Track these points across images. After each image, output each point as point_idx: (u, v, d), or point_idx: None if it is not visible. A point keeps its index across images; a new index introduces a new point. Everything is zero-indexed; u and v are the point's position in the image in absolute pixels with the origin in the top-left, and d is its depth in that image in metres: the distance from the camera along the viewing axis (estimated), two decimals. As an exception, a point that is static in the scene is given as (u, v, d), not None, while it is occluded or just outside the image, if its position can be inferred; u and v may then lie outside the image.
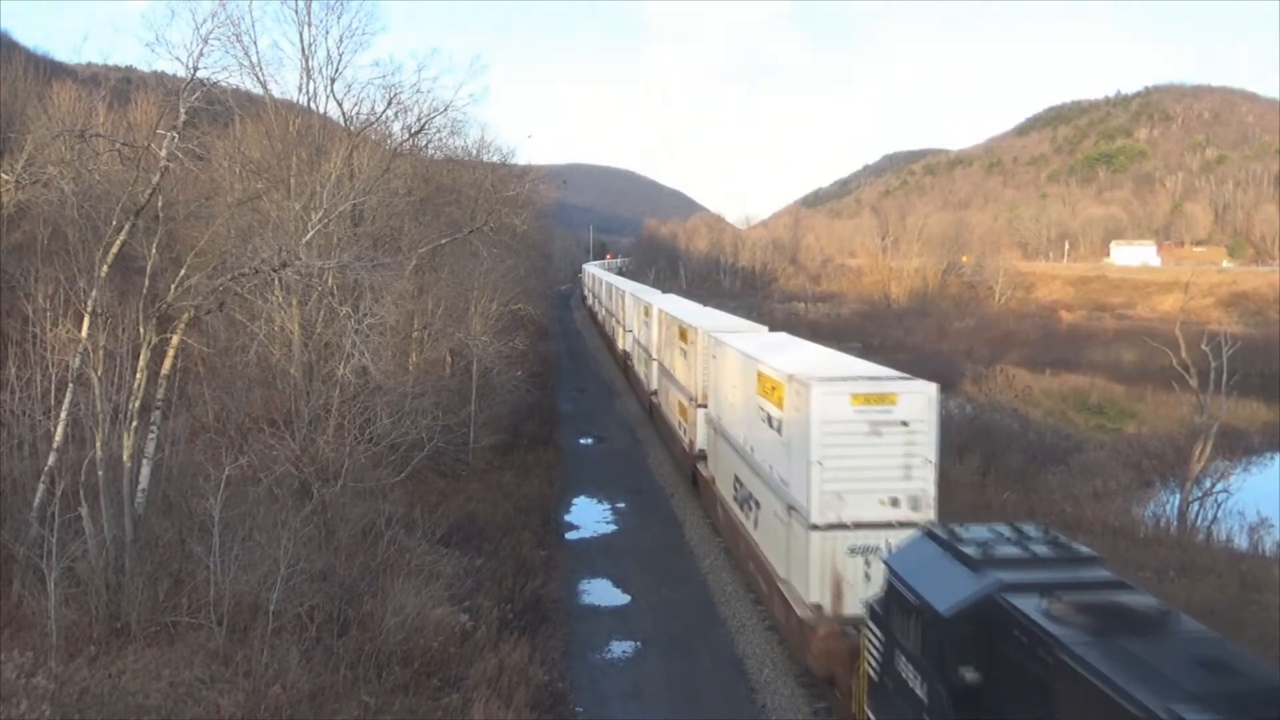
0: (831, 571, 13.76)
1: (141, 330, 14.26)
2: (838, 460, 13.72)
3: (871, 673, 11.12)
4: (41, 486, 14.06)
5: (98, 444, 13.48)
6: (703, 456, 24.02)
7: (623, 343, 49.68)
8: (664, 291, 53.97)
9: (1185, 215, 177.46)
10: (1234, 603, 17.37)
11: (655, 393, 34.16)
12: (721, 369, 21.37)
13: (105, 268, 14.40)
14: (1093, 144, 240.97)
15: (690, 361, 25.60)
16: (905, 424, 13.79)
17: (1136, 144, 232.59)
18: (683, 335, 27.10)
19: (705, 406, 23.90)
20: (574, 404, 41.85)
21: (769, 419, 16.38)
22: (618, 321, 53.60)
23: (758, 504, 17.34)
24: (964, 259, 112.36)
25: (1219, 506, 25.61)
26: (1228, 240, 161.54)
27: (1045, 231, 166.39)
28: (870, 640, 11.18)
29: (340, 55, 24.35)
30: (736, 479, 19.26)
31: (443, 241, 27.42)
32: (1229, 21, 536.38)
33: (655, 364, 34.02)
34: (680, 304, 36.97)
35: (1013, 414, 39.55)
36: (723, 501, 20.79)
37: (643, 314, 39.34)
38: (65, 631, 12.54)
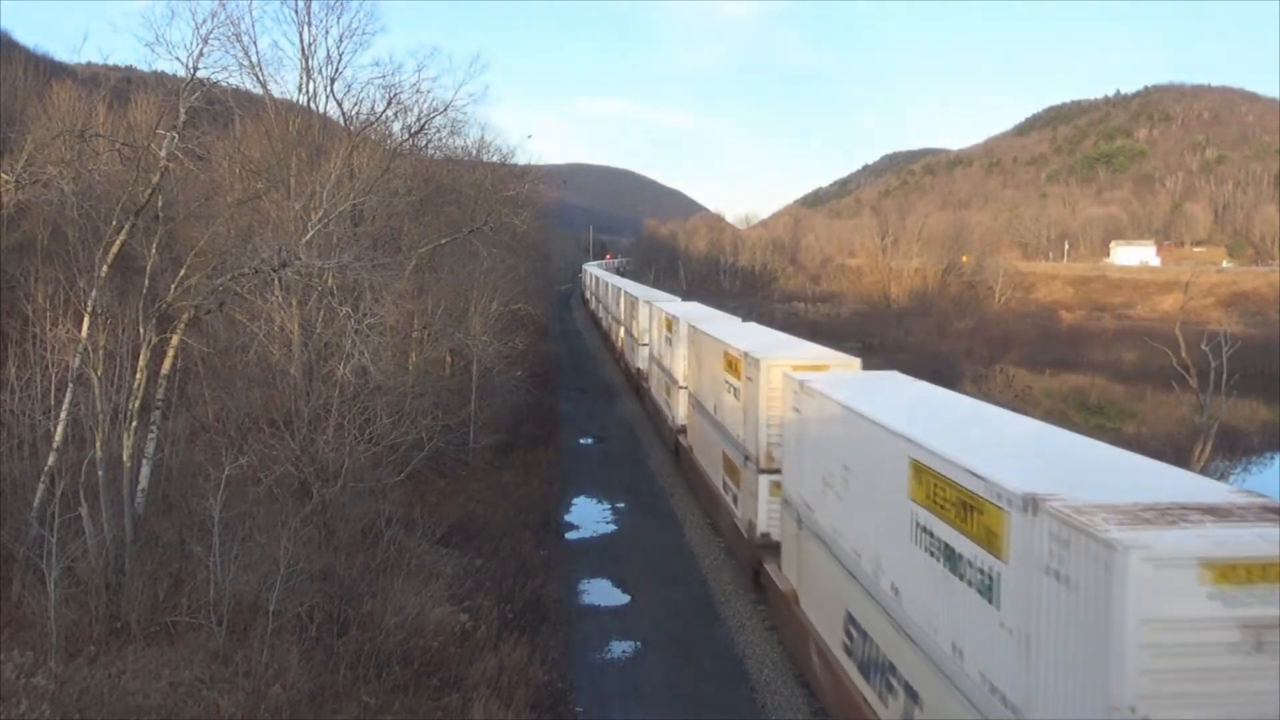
0: None
1: (141, 330, 14.27)
2: (1181, 705, 6.40)
3: None
4: (41, 486, 14.06)
5: (98, 444, 13.48)
6: (772, 547, 16.68)
7: (635, 357, 42.16)
8: (681, 298, 45.23)
9: (1185, 215, 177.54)
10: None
11: (684, 430, 27.56)
12: (817, 433, 13.59)
13: (105, 268, 14.41)
14: (1092, 144, 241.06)
15: (746, 404, 18.53)
16: None
17: (1136, 144, 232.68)
18: (732, 366, 19.99)
19: (775, 474, 16.71)
20: (574, 404, 41.84)
21: (948, 556, 9.02)
22: (628, 331, 46.37)
23: (913, 695, 9.91)
24: (964, 259, 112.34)
25: (1219, 506, 25.55)
26: (1228, 240, 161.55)
27: (1045, 231, 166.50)
28: None
29: (340, 55, 24.49)
30: (852, 621, 11.87)
31: (443, 241, 27.44)
32: (1229, 21, 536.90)
33: (684, 393, 27.50)
34: (715, 317, 29.84)
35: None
36: (820, 645, 13.23)
37: (664, 328, 31.89)
38: (65, 631, 12.55)
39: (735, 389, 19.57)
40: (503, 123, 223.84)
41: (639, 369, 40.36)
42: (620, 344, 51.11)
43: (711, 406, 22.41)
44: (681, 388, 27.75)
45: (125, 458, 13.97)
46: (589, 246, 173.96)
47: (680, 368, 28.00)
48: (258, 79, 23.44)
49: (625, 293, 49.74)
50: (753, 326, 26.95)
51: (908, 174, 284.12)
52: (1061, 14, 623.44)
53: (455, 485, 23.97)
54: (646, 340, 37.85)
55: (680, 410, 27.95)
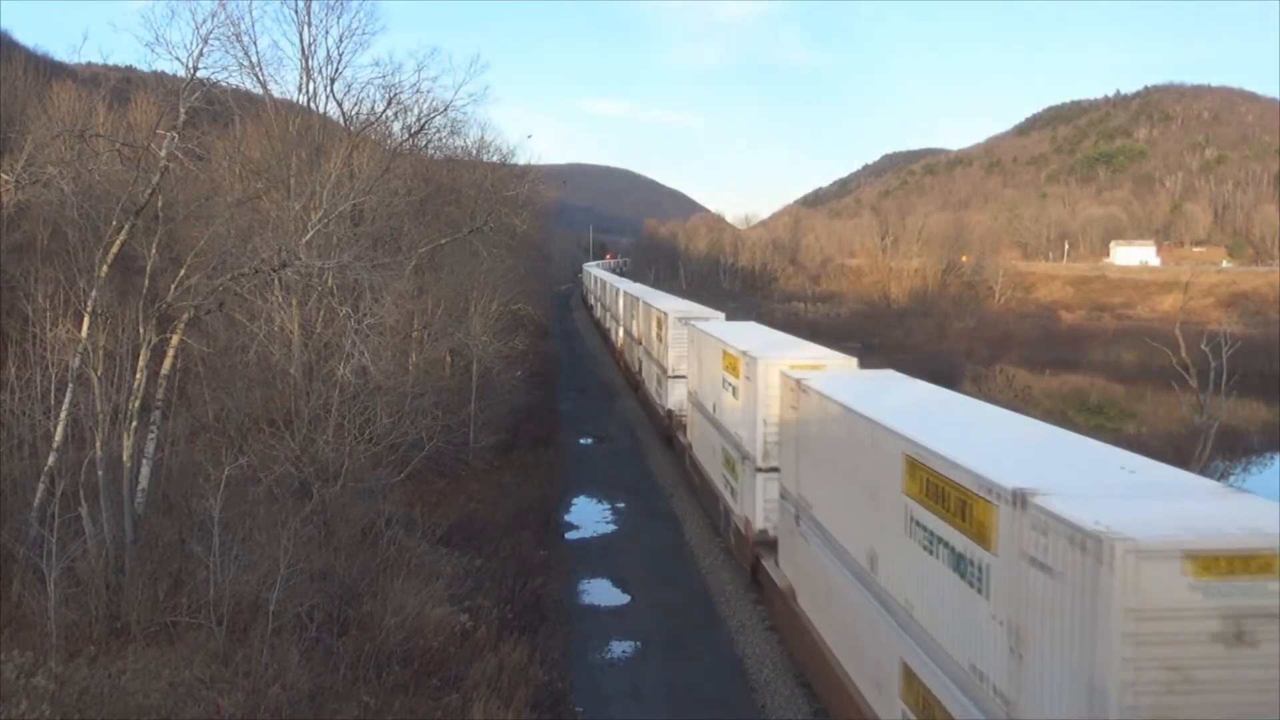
0: None
1: (141, 330, 14.26)
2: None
3: None
4: (41, 486, 14.06)
5: (98, 444, 13.48)
6: None
7: (664, 393, 31.22)
8: (723, 313, 32.90)
9: (1185, 215, 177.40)
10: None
11: (774, 543, 16.78)
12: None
13: (105, 268, 14.41)
14: (1092, 144, 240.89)
15: (978, 584, 8.31)
16: None
17: (1136, 144, 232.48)
18: (937, 494, 9.20)
19: None
20: (574, 404, 41.86)
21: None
22: (647, 352, 36.57)
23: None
24: (964, 259, 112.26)
25: (1219, 506, 25.52)
26: (1228, 240, 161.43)
27: (1045, 231, 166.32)
28: None
29: (340, 55, 24.57)
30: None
31: (443, 241, 27.45)
32: (1229, 21, 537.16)
33: (766, 480, 17.18)
34: (831, 369, 16.67)
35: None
36: None
37: (721, 365, 20.95)
38: (65, 631, 12.55)
39: (942, 543, 9.13)
40: (503, 123, 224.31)
41: (670, 410, 29.94)
42: (631, 361, 42.82)
43: (858, 551, 11.62)
44: (764, 470, 17.27)
45: (125, 458, 13.96)
46: (589, 246, 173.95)
47: (760, 437, 17.29)
48: (258, 79, 23.51)
49: (643, 303, 38.87)
50: (894, 378, 15.22)
51: (908, 174, 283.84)
52: (1061, 14, 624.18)
53: (455, 485, 23.97)
54: (680, 371, 28.39)
55: (757, 502, 17.54)
